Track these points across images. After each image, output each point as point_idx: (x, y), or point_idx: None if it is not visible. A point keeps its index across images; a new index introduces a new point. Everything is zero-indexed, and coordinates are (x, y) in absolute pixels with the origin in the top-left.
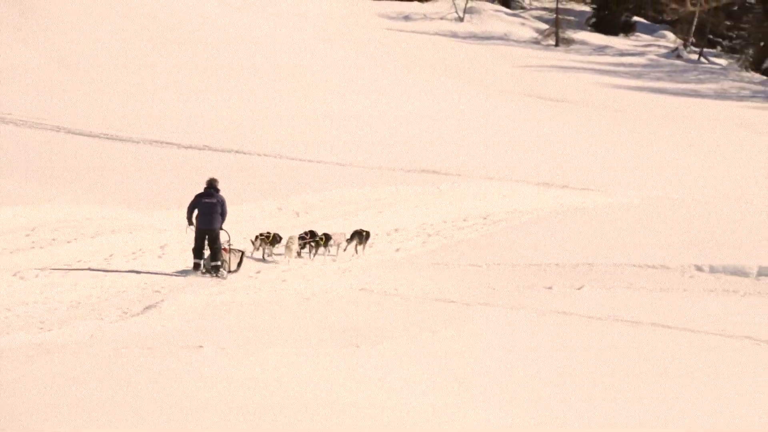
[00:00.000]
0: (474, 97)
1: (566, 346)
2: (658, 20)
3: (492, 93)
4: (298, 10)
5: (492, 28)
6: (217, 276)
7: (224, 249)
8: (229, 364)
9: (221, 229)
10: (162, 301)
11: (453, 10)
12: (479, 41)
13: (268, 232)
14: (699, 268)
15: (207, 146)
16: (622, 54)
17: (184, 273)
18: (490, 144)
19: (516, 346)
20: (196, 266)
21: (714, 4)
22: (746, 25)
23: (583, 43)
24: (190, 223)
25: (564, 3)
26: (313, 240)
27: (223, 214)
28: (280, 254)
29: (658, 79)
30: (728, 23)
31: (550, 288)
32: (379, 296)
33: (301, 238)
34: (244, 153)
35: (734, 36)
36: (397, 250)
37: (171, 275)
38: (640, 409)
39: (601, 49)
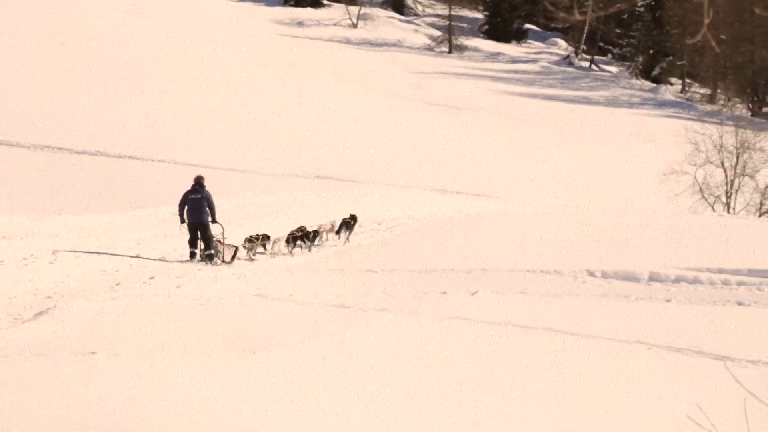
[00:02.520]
0: (368, 103)
1: (460, 351)
2: (550, 28)
3: (386, 99)
4: (192, 15)
5: (385, 35)
6: (211, 263)
7: (219, 241)
8: (122, 370)
9: (214, 221)
10: (54, 307)
11: (347, 16)
12: (373, 48)
13: (258, 234)
14: (591, 274)
15: (100, 152)
16: (515, 61)
17: (181, 261)
18: (385, 150)
19: (410, 351)
20: (192, 255)
21: (602, 13)
22: (636, 33)
23: (476, 50)
24: (182, 220)
25: (457, 10)
26: (304, 235)
27: (210, 207)
28: (262, 253)
29: (551, 86)
30: (618, 31)
31: (444, 293)
32: (274, 302)
33: (291, 233)
34: (139, 159)
35: (624, 44)
36: (293, 255)
37: (63, 281)
38: (534, 413)
39: (493, 56)
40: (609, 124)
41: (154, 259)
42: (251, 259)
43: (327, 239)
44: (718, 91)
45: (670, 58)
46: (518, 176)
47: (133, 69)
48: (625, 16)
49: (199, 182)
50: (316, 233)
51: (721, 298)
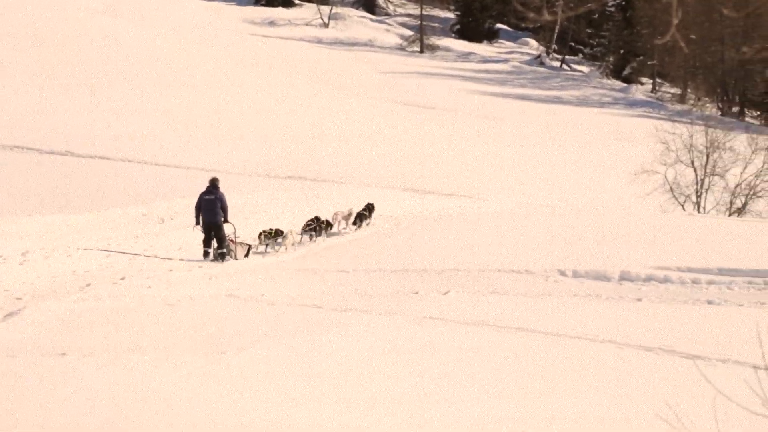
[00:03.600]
0: (340, 103)
1: (433, 351)
2: (521, 27)
3: (358, 99)
4: (163, 15)
5: (357, 35)
6: (222, 261)
7: (231, 240)
8: (93, 371)
9: (226, 221)
10: (24, 308)
11: (318, 16)
12: (345, 47)
13: (271, 229)
14: (563, 273)
15: (69, 152)
16: (486, 61)
17: (196, 260)
18: (357, 150)
19: (383, 351)
20: (206, 254)
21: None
22: (607, 33)
23: (447, 49)
24: (198, 222)
25: (428, 10)
26: (318, 225)
27: (223, 209)
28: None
29: (522, 85)
30: (589, 31)
31: (416, 293)
32: (245, 302)
33: (307, 224)
34: (108, 159)
35: (595, 44)
36: (266, 255)
37: (33, 282)
38: (507, 411)
39: (465, 56)
40: (580, 124)
41: (124, 260)
42: (266, 252)
43: (345, 227)
44: (689, 90)
45: (641, 57)
46: (489, 176)
47: (104, 69)
48: (596, 16)
49: (213, 184)
50: (329, 223)
51: (691, 297)
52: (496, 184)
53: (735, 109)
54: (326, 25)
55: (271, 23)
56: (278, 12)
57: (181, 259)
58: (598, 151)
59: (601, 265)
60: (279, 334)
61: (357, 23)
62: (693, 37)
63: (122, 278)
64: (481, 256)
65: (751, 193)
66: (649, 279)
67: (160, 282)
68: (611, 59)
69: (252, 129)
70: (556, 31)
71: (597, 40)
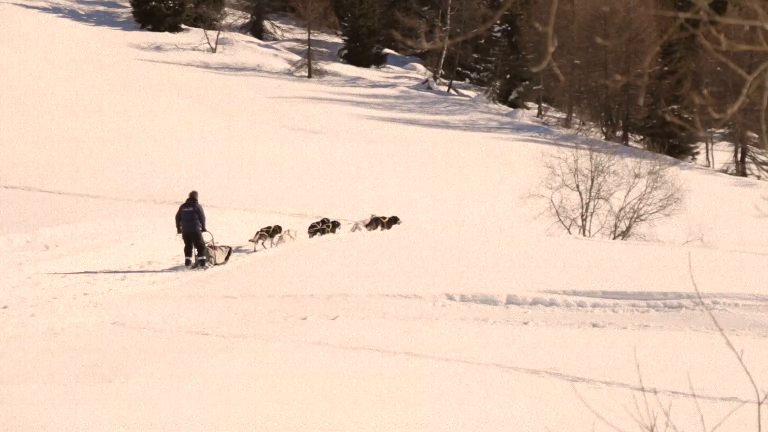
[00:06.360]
0: (227, 128)
1: (320, 376)
2: (409, 52)
3: (246, 124)
4: (48, 40)
5: (245, 59)
6: (202, 268)
7: (211, 246)
8: None
9: (204, 230)
10: None
11: (205, 41)
12: (232, 72)
13: (269, 227)
14: (450, 297)
15: None
16: (374, 85)
17: (176, 269)
18: (244, 175)
19: (270, 377)
20: (187, 262)
21: (452, 41)
22: (493, 58)
23: (335, 74)
24: (178, 230)
25: (316, 35)
26: (323, 226)
27: (201, 219)
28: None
29: (410, 110)
30: (476, 56)
31: (304, 319)
32: (131, 329)
33: (312, 225)
34: None
35: (482, 68)
36: (153, 282)
37: None
38: None
39: (353, 81)
40: (467, 148)
41: (7, 288)
42: (264, 247)
43: (360, 230)
44: (574, 115)
45: (527, 82)
46: (377, 200)
47: None
48: (483, 41)
49: (192, 197)
50: (335, 225)
51: (576, 319)
52: (382, 209)
53: (619, 133)
54: (213, 50)
55: (158, 48)
56: (164, 37)
57: (66, 287)
58: (484, 176)
59: (488, 288)
60: (165, 361)
61: (245, 48)
62: (578, 62)
63: (5, 307)
64: (370, 281)
65: (635, 216)
66: (535, 302)
67: (43, 310)
68: (498, 84)
69: (138, 155)
70: (443, 56)
71: (484, 65)
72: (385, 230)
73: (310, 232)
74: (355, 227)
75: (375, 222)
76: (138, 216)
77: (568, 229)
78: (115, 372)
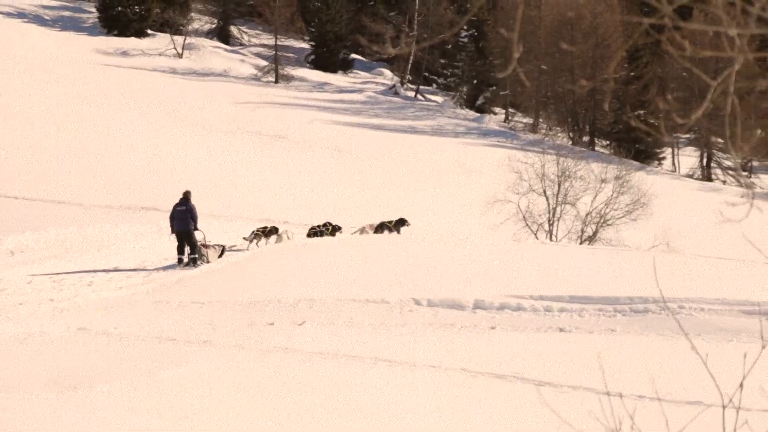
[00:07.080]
0: (193, 134)
1: (287, 383)
2: (376, 58)
3: (211, 130)
4: (8, 45)
5: (212, 65)
6: (194, 266)
7: (203, 245)
8: None
9: (196, 229)
10: None
11: (172, 46)
12: (199, 77)
13: (265, 227)
14: (417, 303)
15: None
16: (341, 91)
17: (169, 267)
18: (209, 181)
19: (236, 383)
20: (179, 261)
21: (418, 46)
22: (460, 64)
23: (302, 79)
24: (172, 230)
25: (282, 40)
26: (323, 229)
27: (193, 218)
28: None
29: (377, 115)
30: (443, 61)
31: (271, 324)
32: (97, 336)
33: (312, 228)
34: None
35: (449, 74)
36: (120, 288)
37: None
38: None
39: (320, 86)
40: (434, 154)
41: None
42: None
43: (368, 233)
44: (540, 120)
45: (494, 87)
46: (343, 206)
47: None
48: (450, 46)
49: (186, 197)
50: (335, 229)
51: (543, 324)
52: (348, 215)
53: (585, 138)
54: (180, 56)
55: (124, 53)
56: (131, 42)
57: (31, 293)
58: (451, 181)
59: (455, 294)
60: (131, 368)
61: (211, 53)
62: (544, 67)
63: None
64: (337, 286)
65: (602, 221)
66: (502, 307)
67: (8, 318)
68: (465, 89)
69: (103, 161)
70: (410, 61)
71: (450, 70)
72: (395, 233)
73: (309, 235)
74: (362, 231)
75: (381, 227)
76: (104, 222)
77: (535, 234)
78: (80, 380)
